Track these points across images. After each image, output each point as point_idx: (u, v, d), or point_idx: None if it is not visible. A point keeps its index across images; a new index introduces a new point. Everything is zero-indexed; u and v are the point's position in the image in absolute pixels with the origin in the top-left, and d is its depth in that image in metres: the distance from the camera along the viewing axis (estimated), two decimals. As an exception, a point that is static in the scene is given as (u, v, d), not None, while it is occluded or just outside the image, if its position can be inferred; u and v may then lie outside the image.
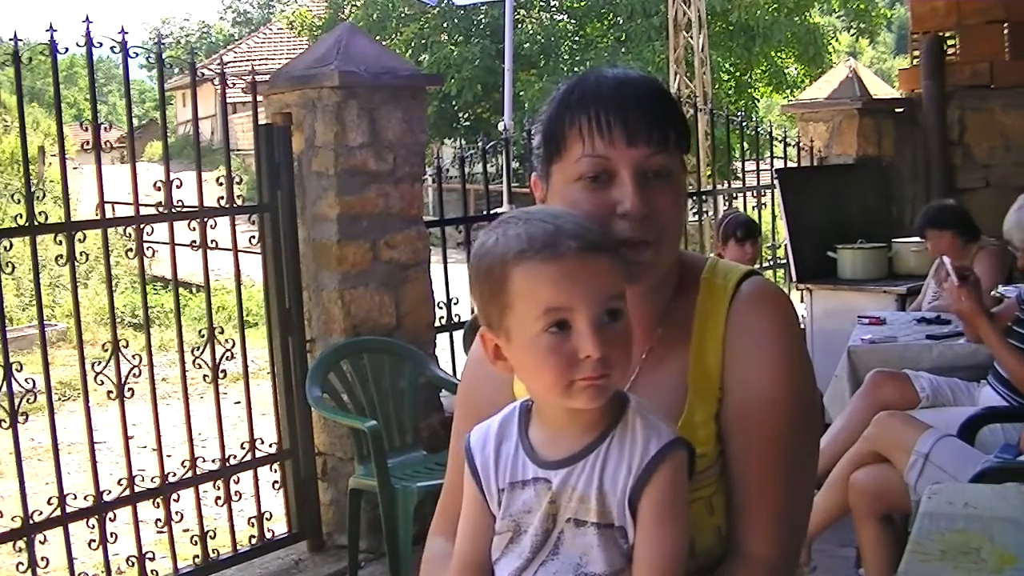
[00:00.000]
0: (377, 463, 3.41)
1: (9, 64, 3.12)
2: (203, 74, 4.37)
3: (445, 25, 19.57)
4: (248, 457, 3.76)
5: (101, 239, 3.48)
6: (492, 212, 4.45)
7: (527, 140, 5.15)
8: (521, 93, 16.81)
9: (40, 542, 3.20)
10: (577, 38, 20.07)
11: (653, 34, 17.86)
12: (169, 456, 3.64)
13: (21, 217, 3.17)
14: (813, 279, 5.51)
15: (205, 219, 3.62)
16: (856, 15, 21.65)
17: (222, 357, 3.64)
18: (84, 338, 3.41)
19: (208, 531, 3.62)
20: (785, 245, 5.72)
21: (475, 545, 1.25)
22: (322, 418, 3.85)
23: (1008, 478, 2.23)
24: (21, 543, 3.17)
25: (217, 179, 3.75)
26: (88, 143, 3.47)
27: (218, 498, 3.68)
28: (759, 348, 1.30)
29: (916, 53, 6.67)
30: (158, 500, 3.51)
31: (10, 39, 3.17)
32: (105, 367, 3.34)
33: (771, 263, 6.54)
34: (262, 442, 3.82)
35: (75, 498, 3.36)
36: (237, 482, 3.74)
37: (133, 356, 3.41)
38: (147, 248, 3.55)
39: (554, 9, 21.01)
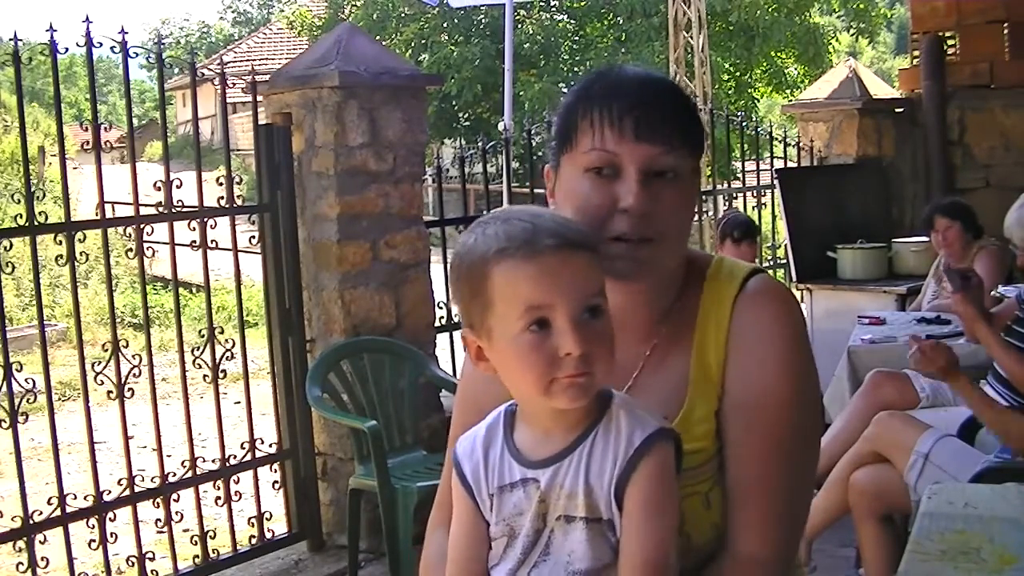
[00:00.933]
0: (377, 463, 3.41)
1: (9, 64, 3.12)
2: (203, 74, 4.36)
3: (445, 25, 19.56)
4: (248, 457, 3.76)
5: (101, 239, 3.48)
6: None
7: (527, 140, 5.14)
8: (521, 93, 16.80)
9: (40, 542, 3.20)
10: (577, 38, 20.08)
11: (653, 34, 17.87)
12: (169, 456, 3.64)
13: (21, 217, 3.17)
14: (813, 279, 5.51)
15: (205, 219, 3.62)
16: (856, 15, 21.64)
17: (222, 357, 3.64)
18: (84, 338, 3.41)
19: (208, 531, 3.62)
20: (785, 245, 5.72)
21: (467, 553, 1.24)
22: (322, 418, 3.85)
23: (1008, 478, 2.23)
24: (21, 543, 3.17)
25: (217, 179, 3.75)
26: (88, 143, 3.47)
27: (218, 498, 3.68)
28: (762, 345, 1.29)
29: (916, 53, 6.66)
30: (158, 500, 3.51)
31: (10, 39, 3.17)
32: (105, 367, 3.34)
33: (771, 263, 6.53)
34: (262, 442, 3.82)
35: (75, 498, 3.36)
36: (237, 482, 3.74)
37: (133, 356, 3.41)
38: (147, 248, 3.55)
39: (554, 9, 20.99)
